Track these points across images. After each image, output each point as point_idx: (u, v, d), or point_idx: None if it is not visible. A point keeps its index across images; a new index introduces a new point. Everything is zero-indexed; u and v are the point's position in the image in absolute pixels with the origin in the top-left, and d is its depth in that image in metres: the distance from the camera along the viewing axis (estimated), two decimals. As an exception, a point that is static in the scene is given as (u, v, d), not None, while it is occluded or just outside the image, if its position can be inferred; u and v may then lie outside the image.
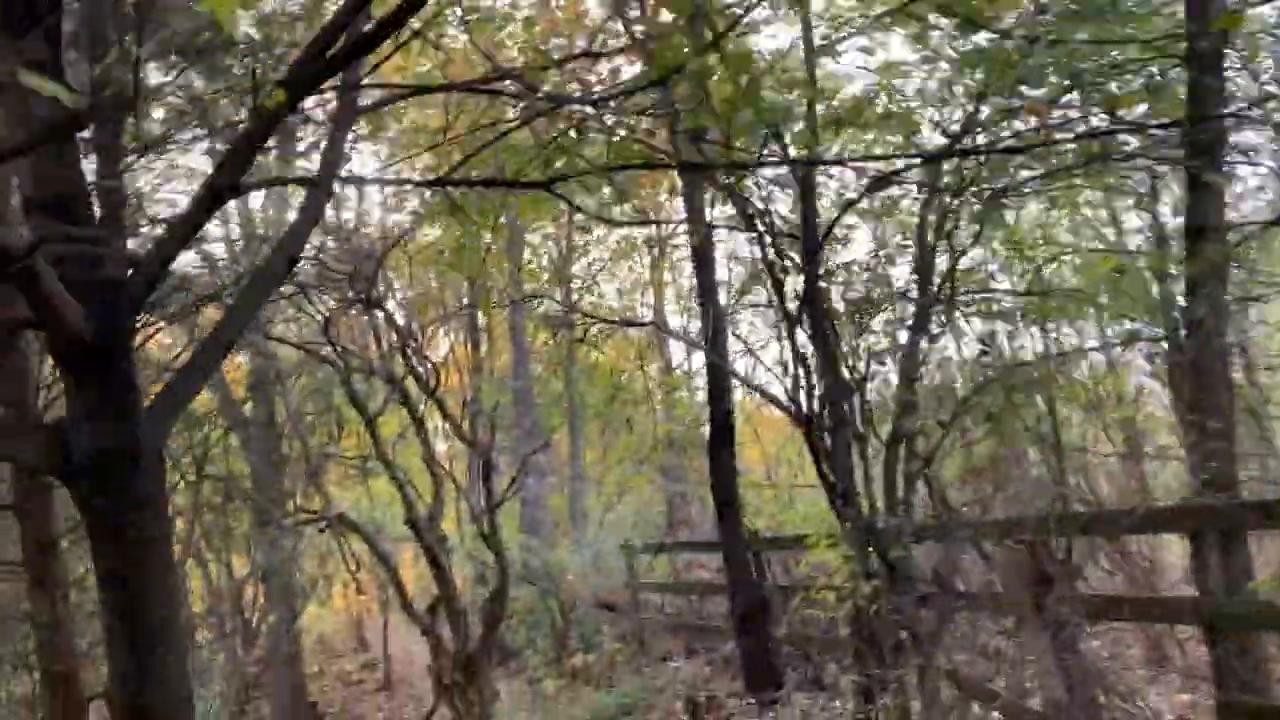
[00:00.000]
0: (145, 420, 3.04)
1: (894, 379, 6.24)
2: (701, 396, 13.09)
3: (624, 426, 14.30)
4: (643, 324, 13.43)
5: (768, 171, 6.28)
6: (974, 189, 5.97)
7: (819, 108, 6.03)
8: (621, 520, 13.22)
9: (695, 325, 11.54)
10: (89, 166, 3.45)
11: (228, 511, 12.53)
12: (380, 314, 7.91)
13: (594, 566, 11.65)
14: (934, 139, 6.29)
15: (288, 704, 14.70)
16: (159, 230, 5.53)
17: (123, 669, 2.94)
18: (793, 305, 6.13)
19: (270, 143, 4.71)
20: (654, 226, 13.37)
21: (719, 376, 7.42)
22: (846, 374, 5.85)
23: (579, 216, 12.09)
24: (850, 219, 6.75)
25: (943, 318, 6.06)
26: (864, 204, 6.25)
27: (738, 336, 7.73)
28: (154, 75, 4.94)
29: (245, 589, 13.00)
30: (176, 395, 3.30)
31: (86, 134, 3.55)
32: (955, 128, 6.07)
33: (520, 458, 13.74)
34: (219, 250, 9.70)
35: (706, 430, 8.02)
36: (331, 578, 16.64)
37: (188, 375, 3.38)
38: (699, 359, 15.40)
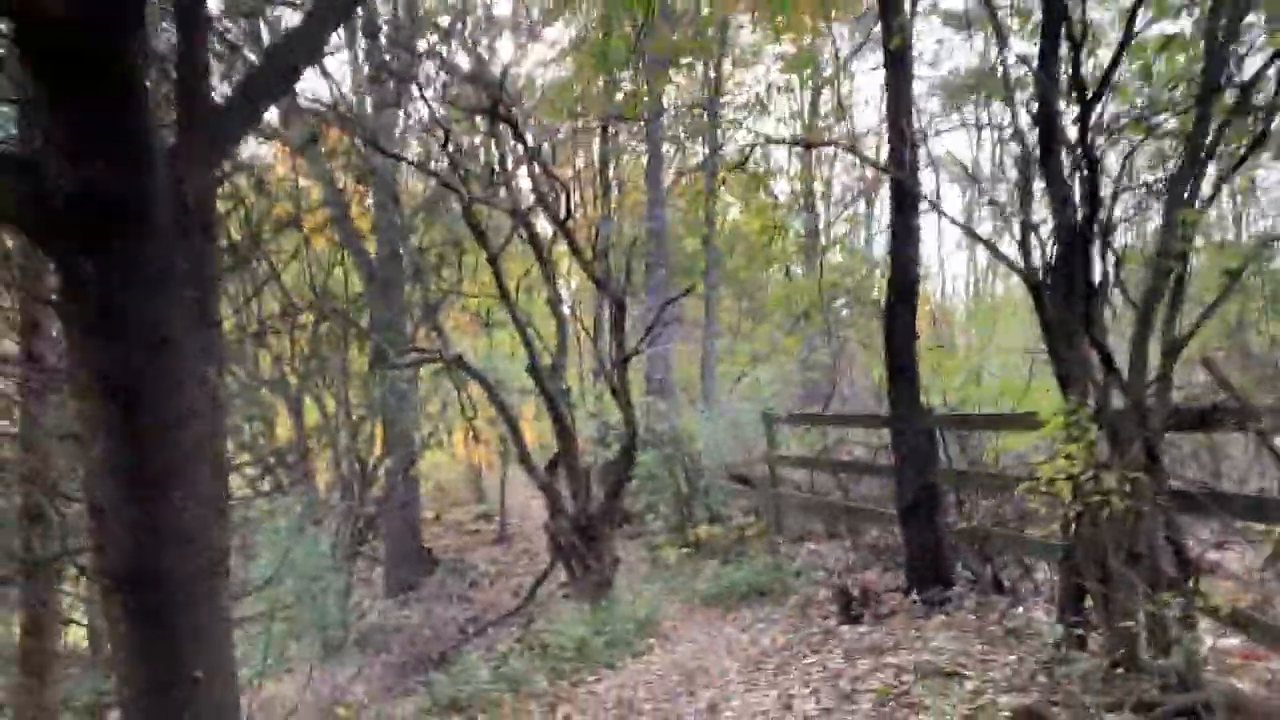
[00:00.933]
0: (165, 155, 2.04)
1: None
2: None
3: (765, 286, 13.04)
4: (826, 143, 11.64)
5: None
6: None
7: None
8: (758, 387, 12.18)
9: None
10: None
11: (346, 345, 12.00)
12: (507, 127, 6.85)
13: (727, 435, 10.69)
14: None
15: (402, 548, 14.60)
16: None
17: (126, 521, 2.03)
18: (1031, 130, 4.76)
19: None
20: (831, 42, 11.60)
21: (907, 215, 6.10)
22: (1094, 225, 4.50)
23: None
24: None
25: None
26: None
27: (937, 164, 6.33)
28: None
29: (362, 428, 12.63)
30: (225, 121, 2.28)
31: None
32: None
33: (653, 307, 12.80)
34: None
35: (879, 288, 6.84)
36: (451, 425, 16.28)
37: (246, 93, 2.34)
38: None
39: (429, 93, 7.54)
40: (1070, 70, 4.44)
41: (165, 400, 2.03)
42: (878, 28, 6.86)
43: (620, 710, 5.65)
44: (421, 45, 9.07)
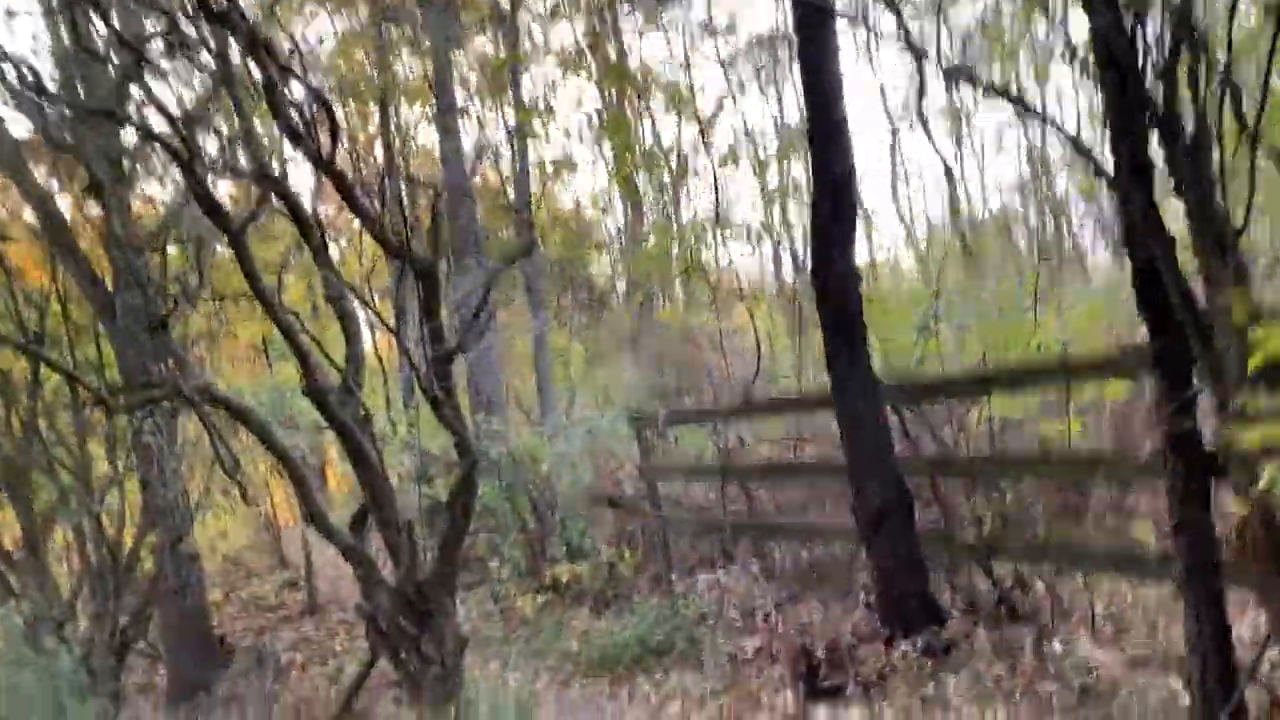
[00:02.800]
0: None
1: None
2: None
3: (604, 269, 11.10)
4: None
5: None
6: None
7: None
8: (608, 391, 10.26)
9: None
10: None
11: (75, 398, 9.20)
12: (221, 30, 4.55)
13: (582, 451, 8.69)
14: None
15: (185, 641, 11.72)
16: None
17: None
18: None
19: None
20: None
21: (826, 100, 4.26)
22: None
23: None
24: None
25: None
26: None
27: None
28: None
29: (106, 500, 9.80)
30: None
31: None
32: None
33: (463, 304, 10.55)
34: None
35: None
36: (244, 481, 13.44)
37: None
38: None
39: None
40: None
41: None
42: None
43: None
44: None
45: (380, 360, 15.57)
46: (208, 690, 11.33)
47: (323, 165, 4.34)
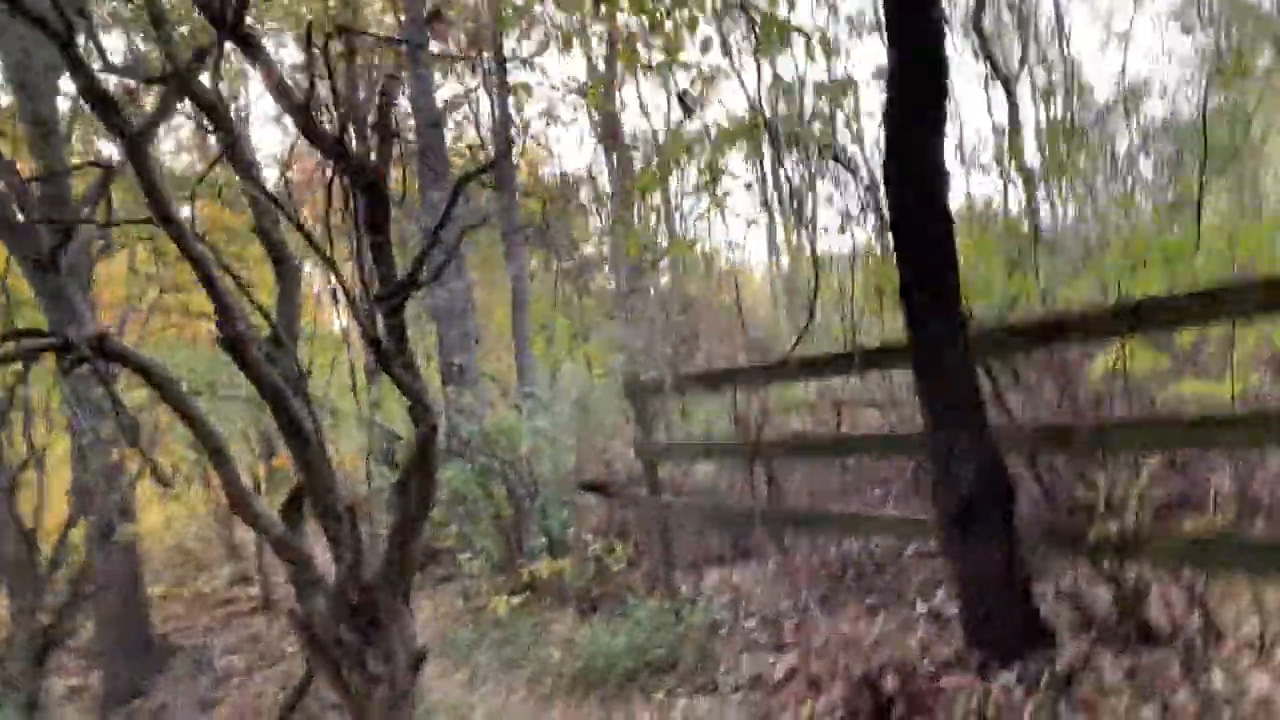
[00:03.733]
0: None
1: None
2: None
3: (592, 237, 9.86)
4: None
5: None
6: None
7: None
8: (596, 364, 9.11)
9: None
10: None
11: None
12: None
13: (565, 429, 7.57)
14: None
15: (120, 641, 10.53)
16: None
17: None
18: None
19: None
20: None
21: None
22: None
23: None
24: None
25: None
26: None
27: None
28: None
29: (18, 486, 8.57)
30: None
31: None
32: None
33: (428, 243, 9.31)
34: None
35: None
36: (188, 463, 12.27)
37: None
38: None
39: None
40: None
41: None
42: None
43: None
44: None
45: (344, 332, 14.36)
46: (145, 693, 10.18)
47: (222, 25, 3.17)
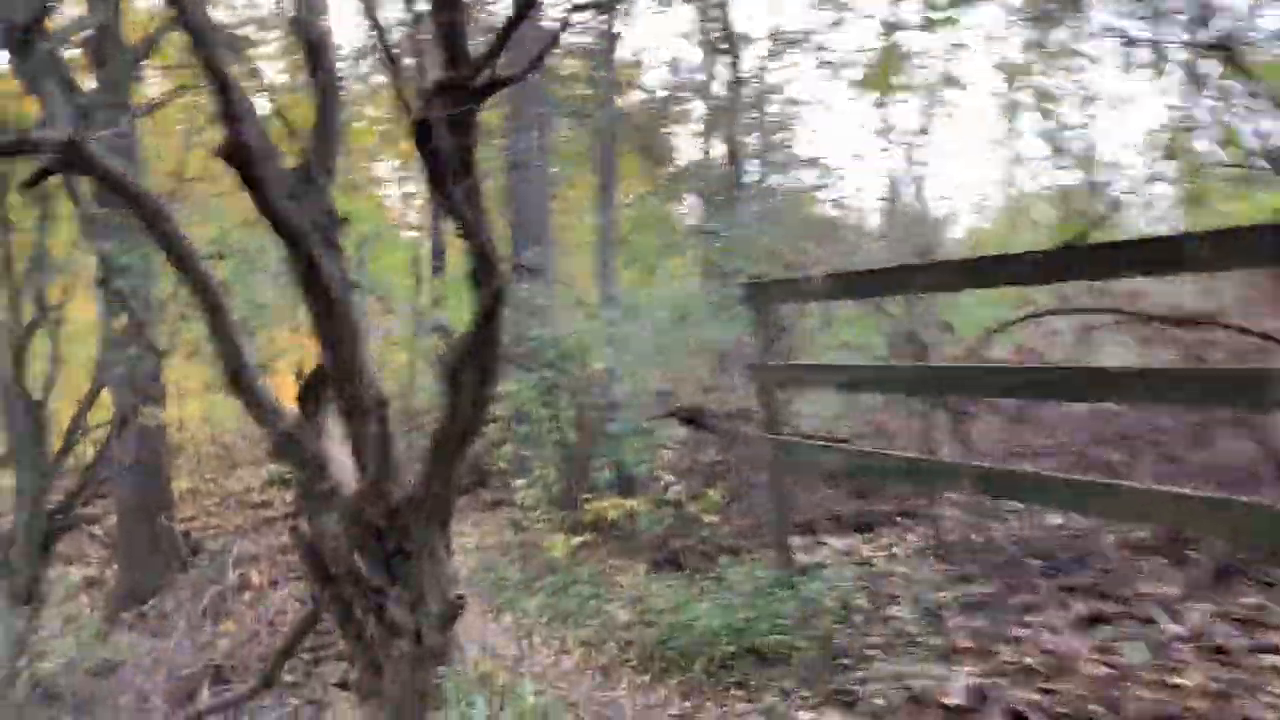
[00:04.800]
0: None
1: None
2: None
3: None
4: None
5: None
6: None
7: None
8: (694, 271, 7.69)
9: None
10: None
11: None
12: None
13: (653, 345, 6.29)
14: None
15: (136, 539, 9.68)
16: None
17: None
18: None
19: None
20: None
21: None
22: None
23: None
24: None
25: None
26: None
27: None
28: None
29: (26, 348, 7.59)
30: None
31: None
32: None
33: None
34: None
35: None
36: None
37: None
38: None
39: None
40: None
41: None
42: None
43: None
44: None
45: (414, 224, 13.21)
46: (158, 594, 9.32)
47: None
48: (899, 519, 4.60)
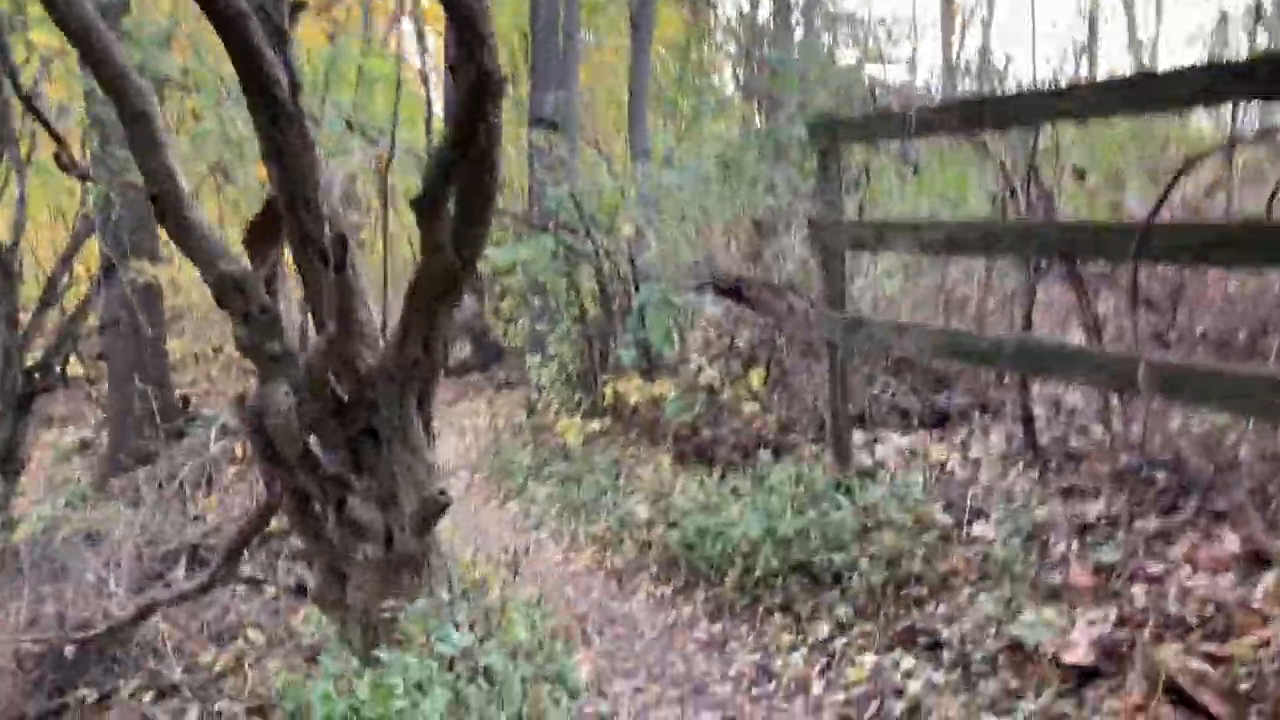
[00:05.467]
0: None
1: None
2: None
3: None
4: None
5: None
6: None
7: None
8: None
9: None
10: None
11: None
12: None
13: (689, 205, 5.42)
14: None
15: (127, 400, 9.12)
16: None
17: None
18: None
19: None
20: None
21: None
22: None
23: None
24: None
25: None
26: None
27: None
28: None
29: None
30: None
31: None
32: None
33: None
34: None
35: None
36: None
37: None
38: None
39: None
40: None
41: None
42: None
43: None
44: None
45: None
46: (150, 461, 8.80)
47: None
48: (976, 413, 3.82)
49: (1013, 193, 3.14)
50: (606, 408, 5.91)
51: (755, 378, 4.66)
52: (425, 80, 10.99)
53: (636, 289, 5.74)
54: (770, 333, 4.70)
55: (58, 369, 7.79)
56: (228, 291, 2.83)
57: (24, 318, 7.46)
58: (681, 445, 4.93)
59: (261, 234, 3.00)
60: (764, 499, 3.60)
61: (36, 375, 7.42)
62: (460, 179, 2.29)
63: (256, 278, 2.88)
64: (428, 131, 7.81)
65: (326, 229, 2.63)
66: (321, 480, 2.80)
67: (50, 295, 7.59)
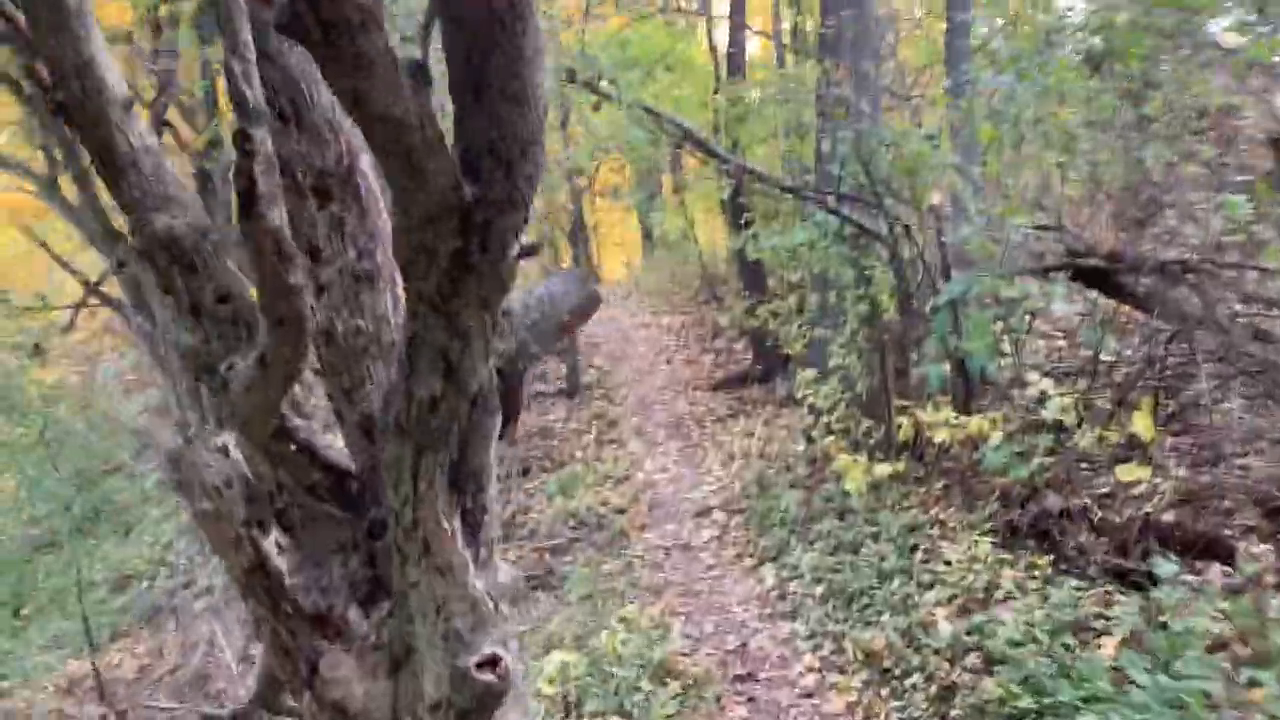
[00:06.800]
0: None
1: None
2: None
3: None
4: None
5: None
6: None
7: None
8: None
9: None
10: None
11: None
12: None
13: (1040, 151, 3.66)
14: None
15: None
16: None
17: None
18: None
19: None
20: None
21: None
22: None
23: None
24: None
25: None
26: None
27: None
28: None
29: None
30: None
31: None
32: None
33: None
34: None
35: None
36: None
37: None
38: None
39: None
40: None
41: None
42: None
43: None
44: None
45: None
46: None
47: None
48: None
49: None
50: (902, 445, 4.28)
51: (1140, 418, 2.83)
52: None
53: (947, 279, 4.05)
54: (1166, 345, 2.86)
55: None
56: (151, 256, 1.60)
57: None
58: (1011, 515, 3.22)
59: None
60: (1161, 656, 1.89)
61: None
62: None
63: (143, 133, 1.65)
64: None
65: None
66: (288, 619, 1.51)
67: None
